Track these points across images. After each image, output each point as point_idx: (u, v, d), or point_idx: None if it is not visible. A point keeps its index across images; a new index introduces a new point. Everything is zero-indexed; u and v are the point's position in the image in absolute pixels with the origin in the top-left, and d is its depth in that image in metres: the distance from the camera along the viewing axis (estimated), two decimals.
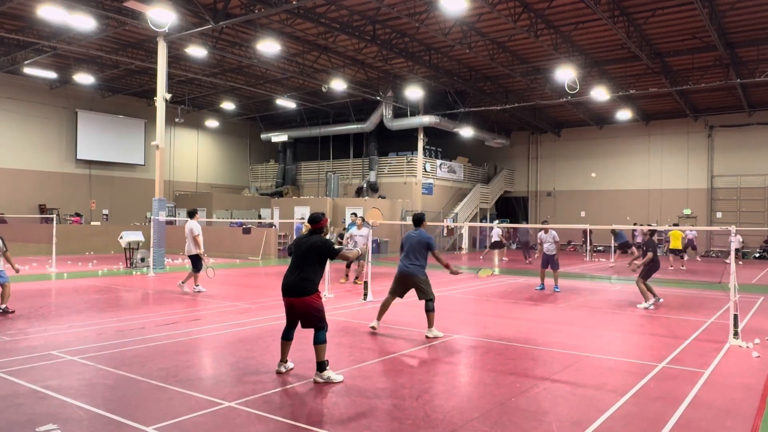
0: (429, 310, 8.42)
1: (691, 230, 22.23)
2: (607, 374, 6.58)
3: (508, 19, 17.57)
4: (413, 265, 8.47)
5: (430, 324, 8.41)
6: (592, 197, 34.43)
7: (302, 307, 6.11)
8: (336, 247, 6.42)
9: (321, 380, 5.96)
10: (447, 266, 8.53)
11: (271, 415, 5.00)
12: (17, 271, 10.23)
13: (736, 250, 26.80)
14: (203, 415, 4.95)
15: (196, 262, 12.71)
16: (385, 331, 8.84)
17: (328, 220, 6.86)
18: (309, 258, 6.19)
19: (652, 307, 11.60)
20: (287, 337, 6.35)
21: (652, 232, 12.24)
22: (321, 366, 6.01)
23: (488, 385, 6.06)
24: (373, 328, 8.63)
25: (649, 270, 11.81)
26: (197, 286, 12.74)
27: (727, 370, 6.78)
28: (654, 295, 11.89)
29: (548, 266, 14.06)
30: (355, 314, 10.35)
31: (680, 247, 20.95)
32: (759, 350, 7.74)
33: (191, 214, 13.04)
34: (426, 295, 8.46)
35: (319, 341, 6.05)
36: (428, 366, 6.85)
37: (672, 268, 20.89)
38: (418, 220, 8.78)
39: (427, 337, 8.33)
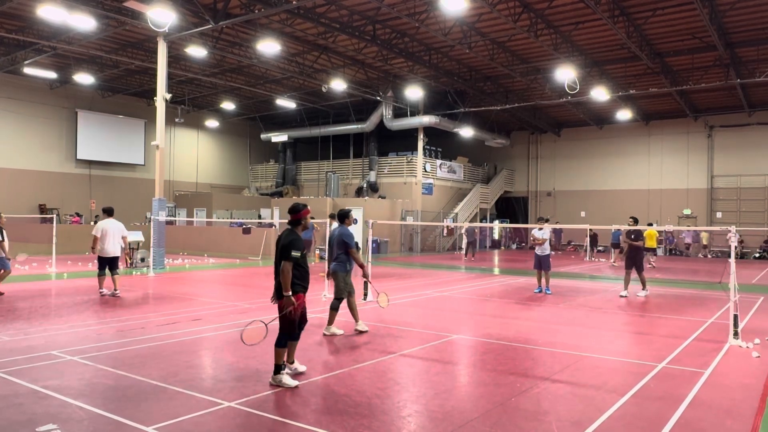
0: (332, 308, 8.42)
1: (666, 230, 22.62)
2: (607, 374, 6.58)
3: (508, 19, 17.58)
4: (335, 262, 8.47)
5: (329, 322, 8.40)
6: (592, 197, 34.44)
7: (279, 308, 5.96)
8: (293, 254, 5.77)
9: (273, 383, 5.78)
10: (362, 267, 8.46)
11: (271, 415, 5.00)
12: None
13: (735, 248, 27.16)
14: (203, 415, 4.94)
15: (118, 262, 12.23)
16: (385, 331, 8.84)
17: (309, 212, 6.23)
18: (279, 256, 5.91)
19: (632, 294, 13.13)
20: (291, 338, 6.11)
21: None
22: (277, 369, 5.83)
23: (488, 385, 6.06)
24: (360, 331, 8.57)
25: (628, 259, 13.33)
26: (103, 289, 12.01)
27: (727, 370, 6.77)
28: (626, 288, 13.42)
29: (541, 267, 13.85)
30: None
31: (654, 246, 21.24)
32: (759, 350, 7.74)
33: (110, 212, 12.23)
34: (336, 293, 8.43)
35: (278, 345, 5.85)
36: (428, 366, 6.85)
37: (649, 266, 20.99)
38: (341, 216, 8.62)
39: (324, 334, 8.35)
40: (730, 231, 8.51)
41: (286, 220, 6.26)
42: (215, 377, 6.21)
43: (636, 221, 13.27)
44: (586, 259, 26.60)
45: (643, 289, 13.39)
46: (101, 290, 12.02)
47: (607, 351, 7.86)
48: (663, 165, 32.63)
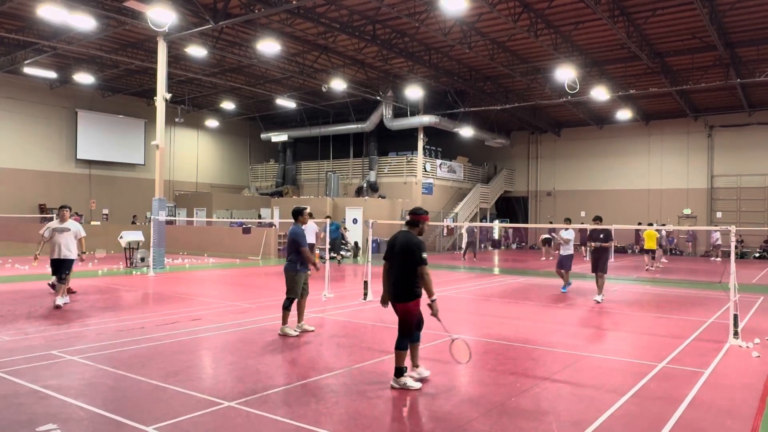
0: (283, 308, 8.36)
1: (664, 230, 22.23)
2: (607, 374, 6.58)
3: (508, 19, 17.57)
4: (287, 261, 8.48)
5: (283, 321, 8.35)
6: (592, 197, 34.43)
7: (398, 311, 5.93)
8: (425, 256, 5.76)
9: (397, 386, 5.79)
10: (313, 264, 8.51)
11: (271, 415, 5.00)
12: (82, 260, 11.10)
13: (717, 247, 27.17)
14: (203, 415, 4.95)
15: (71, 266, 10.73)
16: (385, 330, 8.84)
17: (428, 219, 6.16)
18: (402, 259, 5.86)
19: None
20: (412, 339, 6.03)
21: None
22: (398, 372, 5.83)
23: (488, 385, 6.06)
24: (305, 330, 8.51)
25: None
26: (60, 295, 10.52)
27: (727, 370, 6.78)
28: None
29: (563, 267, 13.66)
30: (355, 314, 10.36)
31: (654, 247, 20.91)
32: (759, 350, 7.74)
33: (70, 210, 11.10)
34: (287, 293, 8.39)
35: (398, 347, 5.86)
36: (428, 366, 6.83)
37: (648, 268, 20.82)
38: (294, 213, 8.64)
39: (279, 334, 8.29)
40: (727, 230, 8.51)
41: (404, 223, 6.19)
42: (215, 377, 6.21)
43: (601, 220, 12.60)
44: (586, 258, 26.59)
45: (599, 293, 12.35)
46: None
47: (607, 351, 7.87)
48: (663, 165, 32.63)
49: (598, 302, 12.17)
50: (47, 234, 10.55)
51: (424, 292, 5.90)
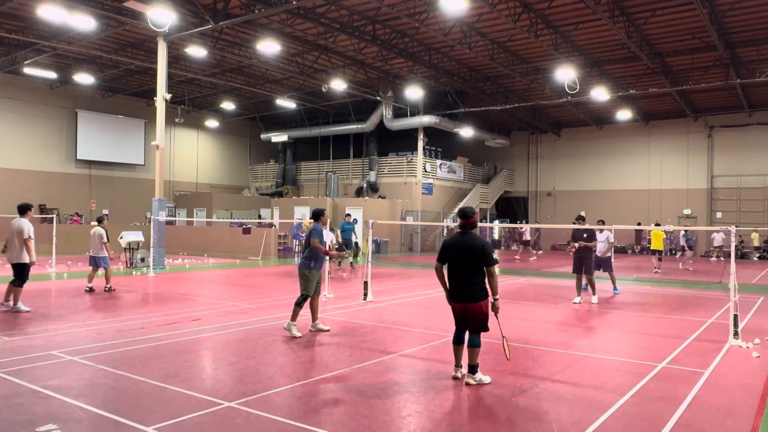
0: (296, 304, 8.40)
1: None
2: (607, 374, 6.58)
3: (508, 19, 17.58)
4: (301, 259, 8.56)
5: (292, 317, 8.35)
6: (592, 197, 34.43)
7: (472, 312, 6.00)
8: (496, 258, 5.96)
9: (473, 382, 5.96)
10: (326, 254, 8.63)
11: (271, 415, 5.00)
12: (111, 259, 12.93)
13: (719, 248, 27.05)
14: (203, 415, 4.94)
15: (23, 272, 9.98)
16: (386, 331, 8.85)
17: (478, 215, 6.35)
18: (472, 260, 5.96)
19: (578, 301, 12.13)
20: (459, 341, 6.22)
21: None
22: (472, 369, 6.01)
23: (488, 385, 6.06)
24: (320, 329, 8.61)
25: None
26: (18, 303, 9.88)
27: (727, 370, 6.77)
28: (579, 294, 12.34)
29: (600, 269, 13.15)
30: (355, 314, 10.36)
31: (661, 248, 20.63)
32: (759, 350, 7.74)
33: (23, 210, 10.18)
34: (301, 290, 8.45)
35: (474, 345, 6.01)
36: (428, 366, 6.84)
37: (656, 270, 20.69)
38: (315, 214, 8.77)
39: (283, 327, 8.38)
40: (725, 231, 8.51)
41: (458, 224, 6.22)
42: (215, 377, 6.21)
43: (584, 220, 12.42)
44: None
45: (593, 294, 12.24)
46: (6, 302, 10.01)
47: (607, 351, 7.86)
48: (663, 165, 32.63)
49: (576, 303, 12.04)
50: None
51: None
